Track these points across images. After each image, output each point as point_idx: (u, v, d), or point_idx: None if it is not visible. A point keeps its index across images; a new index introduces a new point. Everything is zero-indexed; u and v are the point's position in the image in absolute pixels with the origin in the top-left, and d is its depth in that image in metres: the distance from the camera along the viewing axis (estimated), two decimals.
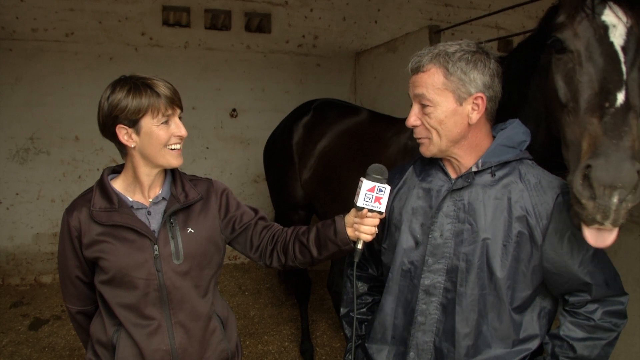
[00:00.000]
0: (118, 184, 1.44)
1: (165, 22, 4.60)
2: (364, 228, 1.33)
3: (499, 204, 1.26)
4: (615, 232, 1.10)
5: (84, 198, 1.43)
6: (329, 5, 4.99)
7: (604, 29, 1.16)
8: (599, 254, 1.26)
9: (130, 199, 1.42)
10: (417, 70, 1.31)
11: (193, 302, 1.43)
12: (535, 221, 1.24)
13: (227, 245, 1.58)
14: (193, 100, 4.56)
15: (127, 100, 1.32)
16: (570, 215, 1.15)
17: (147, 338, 1.39)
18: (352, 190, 1.36)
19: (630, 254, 2.13)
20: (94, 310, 1.52)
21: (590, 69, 1.15)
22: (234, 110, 4.84)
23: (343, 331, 1.63)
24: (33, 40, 4.22)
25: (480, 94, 1.26)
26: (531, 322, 1.30)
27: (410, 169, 1.46)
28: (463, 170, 1.32)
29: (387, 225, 1.45)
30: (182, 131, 1.40)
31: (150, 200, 1.44)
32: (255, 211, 1.58)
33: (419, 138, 1.34)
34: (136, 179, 1.43)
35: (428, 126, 1.30)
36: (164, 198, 1.45)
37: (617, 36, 1.14)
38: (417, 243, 1.36)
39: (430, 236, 1.32)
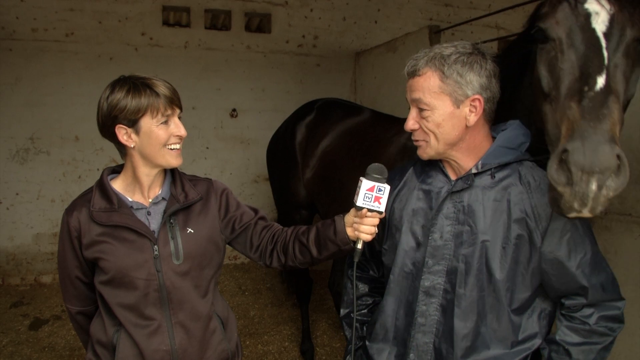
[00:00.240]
0: (118, 184, 1.44)
1: (165, 22, 4.60)
2: (363, 228, 1.33)
3: (499, 205, 1.26)
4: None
5: (84, 198, 1.43)
6: (329, 5, 4.99)
7: (586, 16, 1.14)
8: (597, 258, 1.26)
9: (130, 199, 1.42)
10: (413, 74, 1.31)
11: (193, 302, 1.43)
12: (535, 223, 1.23)
13: (227, 245, 1.57)
14: (193, 100, 4.56)
15: (127, 100, 1.32)
16: (548, 201, 1.11)
17: (147, 338, 1.39)
18: (352, 190, 1.36)
19: (630, 254, 2.13)
20: (93, 310, 1.52)
21: (571, 55, 1.13)
22: (234, 110, 4.84)
23: (343, 332, 1.63)
24: (33, 40, 4.22)
25: (477, 96, 1.25)
26: (531, 324, 1.30)
27: (411, 170, 1.45)
28: (463, 172, 1.32)
29: (388, 226, 1.44)
30: (182, 131, 1.40)
31: (150, 200, 1.44)
32: (255, 211, 1.58)
33: (416, 141, 1.34)
34: (136, 179, 1.42)
35: (426, 129, 1.29)
36: (163, 198, 1.45)
37: (600, 23, 1.12)
38: (417, 244, 1.35)
39: (430, 238, 1.32)
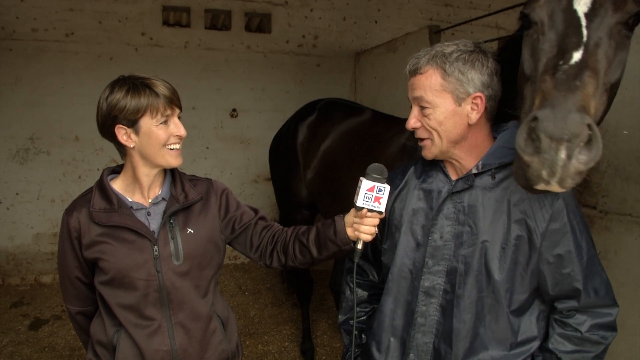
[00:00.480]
0: (117, 185, 1.44)
1: (165, 22, 4.60)
2: (363, 228, 1.33)
3: (499, 206, 1.25)
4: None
5: (84, 198, 1.43)
6: (329, 5, 4.99)
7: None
8: (594, 261, 1.25)
9: (130, 200, 1.42)
10: (414, 72, 1.31)
11: (193, 302, 1.43)
12: (535, 224, 1.23)
13: (227, 245, 1.57)
14: (193, 100, 4.56)
15: (126, 100, 1.32)
16: (514, 174, 1.09)
17: (148, 338, 1.39)
18: (352, 190, 1.36)
19: (630, 254, 2.12)
20: (93, 310, 1.52)
21: (551, 35, 1.12)
22: (234, 110, 4.84)
23: (342, 339, 1.61)
24: (33, 40, 4.23)
25: (479, 94, 1.25)
26: (530, 325, 1.29)
27: (411, 170, 1.45)
28: (464, 172, 1.32)
29: (388, 225, 1.44)
30: (182, 131, 1.39)
31: (150, 200, 1.44)
32: (255, 211, 1.58)
33: (421, 140, 1.34)
34: (135, 179, 1.42)
35: (428, 128, 1.29)
36: (163, 198, 1.45)
37: (582, 4, 1.10)
38: (417, 244, 1.35)
39: (430, 238, 1.32)
